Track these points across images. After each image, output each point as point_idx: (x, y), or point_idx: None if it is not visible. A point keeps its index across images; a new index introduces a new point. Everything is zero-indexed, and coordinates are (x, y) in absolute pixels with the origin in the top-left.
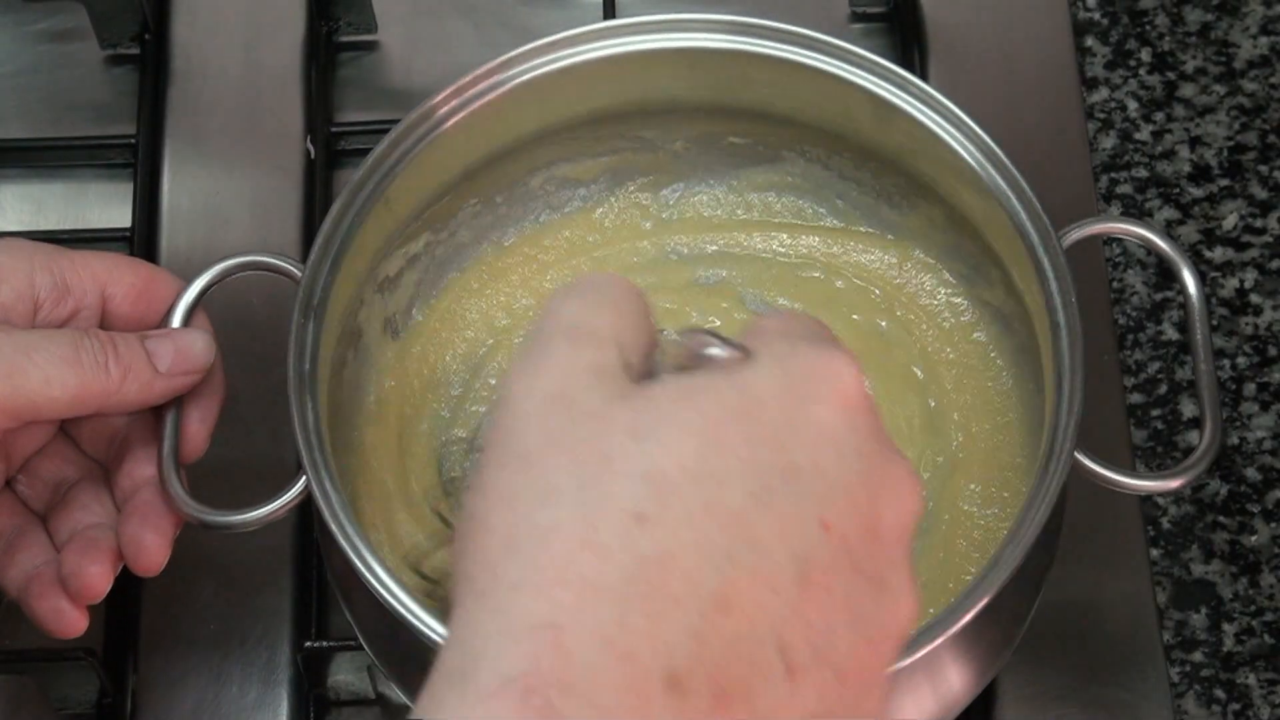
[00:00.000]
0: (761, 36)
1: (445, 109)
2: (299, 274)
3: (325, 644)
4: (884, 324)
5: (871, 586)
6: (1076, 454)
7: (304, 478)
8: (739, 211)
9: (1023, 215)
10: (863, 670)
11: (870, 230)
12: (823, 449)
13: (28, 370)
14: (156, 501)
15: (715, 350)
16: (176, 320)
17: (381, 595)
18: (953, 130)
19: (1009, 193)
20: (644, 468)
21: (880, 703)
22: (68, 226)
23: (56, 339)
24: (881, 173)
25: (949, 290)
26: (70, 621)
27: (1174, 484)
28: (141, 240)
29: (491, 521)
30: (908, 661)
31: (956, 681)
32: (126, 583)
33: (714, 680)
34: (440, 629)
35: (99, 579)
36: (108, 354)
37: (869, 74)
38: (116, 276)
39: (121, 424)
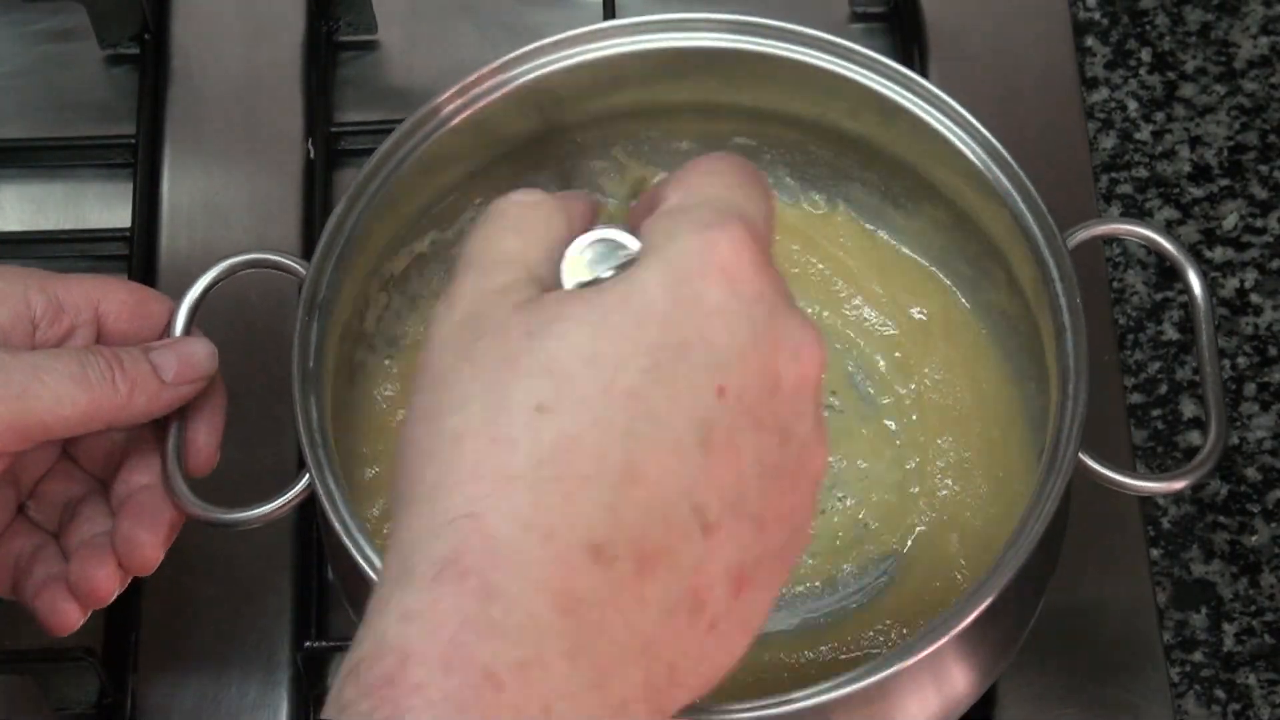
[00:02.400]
0: (766, 36)
1: (450, 107)
2: (303, 271)
3: (325, 644)
4: (885, 321)
5: (776, 438)
6: (1081, 455)
7: (307, 475)
8: None
9: (1028, 216)
10: (781, 515)
11: (875, 227)
12: (710, 321)
13: (38, 391)
14: (152, 502)
15: (607, 273)
16: (181, 318)
17: None
18: (958, 131)
19: (1014, 194)
20: (542, 362)
21: (805, 541)
22: (68, 226)
23: (62, 357)
24: (887, 173)
25: (952, 287)
26: (65, 618)
27: (1178, 485)
28: (141, 240)
29: (413, 439)
30: (912, 661)
31: (960, 682)
32: None
33: (634, 546)
34: None
35: (106, 580)
36: (114, 369)
37: (874, 73)
38: (109, 295)
39: (119, 439)
